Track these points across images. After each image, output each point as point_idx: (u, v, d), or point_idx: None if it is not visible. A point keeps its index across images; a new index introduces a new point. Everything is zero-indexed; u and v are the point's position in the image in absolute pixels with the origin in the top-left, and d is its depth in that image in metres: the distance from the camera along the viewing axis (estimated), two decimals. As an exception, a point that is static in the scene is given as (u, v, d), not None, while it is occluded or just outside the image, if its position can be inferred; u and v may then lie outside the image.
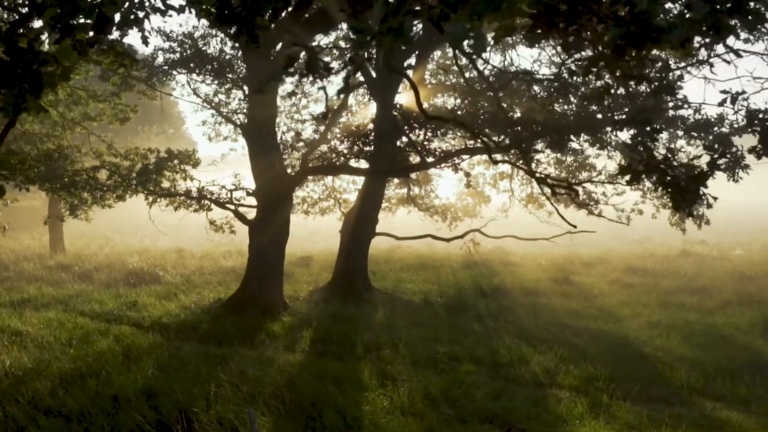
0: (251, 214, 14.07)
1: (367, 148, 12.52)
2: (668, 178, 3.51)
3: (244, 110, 15.44)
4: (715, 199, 4.23)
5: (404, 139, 13.00)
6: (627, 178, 3.77)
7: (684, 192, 3.53)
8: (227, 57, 15.41)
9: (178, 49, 14.65)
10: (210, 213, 14.79)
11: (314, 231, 30.01)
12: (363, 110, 20.29)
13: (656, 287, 16.74)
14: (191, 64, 14.79)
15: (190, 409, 6.76)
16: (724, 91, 5.03)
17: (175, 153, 14.24)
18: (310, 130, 16.32)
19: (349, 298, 14.53)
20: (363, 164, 15.53)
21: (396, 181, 21.01)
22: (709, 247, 25.98)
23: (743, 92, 4.81)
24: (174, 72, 15.06)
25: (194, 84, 16.66)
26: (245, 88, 14.17)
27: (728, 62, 6.05)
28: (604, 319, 12.89)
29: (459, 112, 11.25)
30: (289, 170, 14.63)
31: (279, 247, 13.46)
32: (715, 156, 3.62)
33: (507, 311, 13.59)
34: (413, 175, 21.15)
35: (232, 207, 13.88)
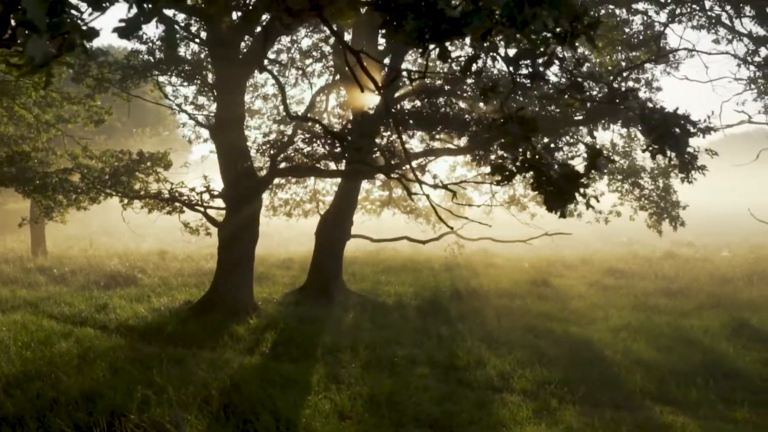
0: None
1: (335, 150, 12.47)
2: (543, 177, 3.45)
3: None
4: (597, 200, 4.14)
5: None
6: (498, 177, 3.69)
7: (560, 193, 3.47)
8: (201, 58, 15.42)
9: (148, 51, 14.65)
10: (183, 215, 14.77)
11: (301, 233, 29.93)
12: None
13: (633, 289, 16.63)
14: (164, 67, 14.79)
15: (124, 412, 6.71)
16: (618, 89, 4.99)
17: (146, 155, 14.22)
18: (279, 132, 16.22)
19: (321, 300, 14.46)
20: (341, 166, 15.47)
21: (378, 183, 20.94)
22: (694, 249, 25.83)
23: (634, 89, 4.74)
24: (147, 74, 15.05)
25: (173, 87, 16.71)
26: (215, 91, 14.12)
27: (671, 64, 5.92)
28: (573, 322, 12.79)
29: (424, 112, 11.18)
30: (260, 172, 14.57)
31: (248, 249, 13.40)
32: (593, 155, 3.54)
33: (477, 314, 13.51)
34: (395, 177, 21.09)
35: (202, 209, 13.83)
